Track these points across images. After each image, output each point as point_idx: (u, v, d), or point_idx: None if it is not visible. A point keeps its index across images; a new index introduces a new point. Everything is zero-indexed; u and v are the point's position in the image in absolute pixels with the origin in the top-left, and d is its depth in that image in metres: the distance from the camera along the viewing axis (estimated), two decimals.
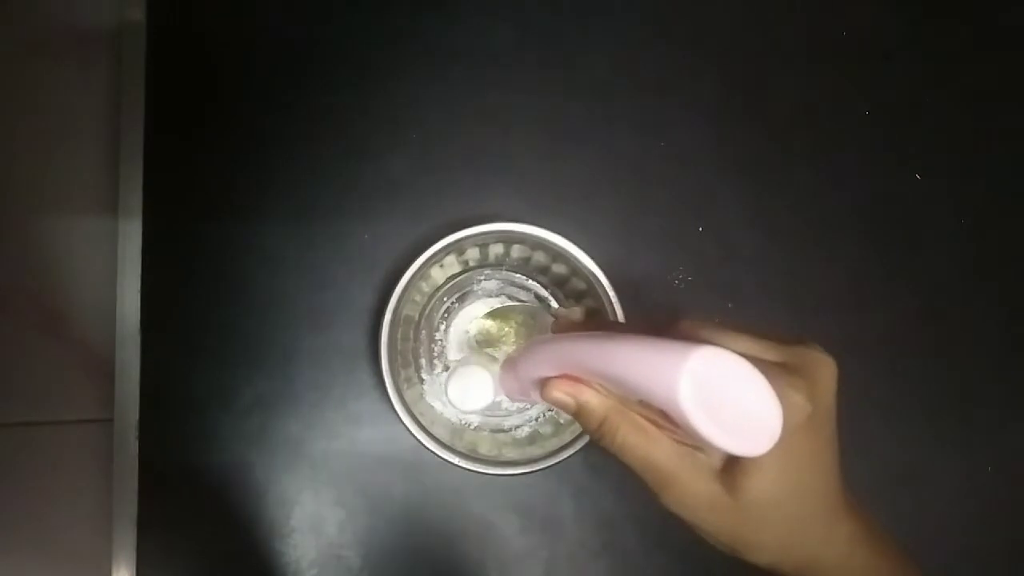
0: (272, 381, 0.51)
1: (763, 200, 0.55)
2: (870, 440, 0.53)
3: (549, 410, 0.49)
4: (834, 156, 0.57)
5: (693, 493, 0.30)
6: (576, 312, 0.46)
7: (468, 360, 0.43)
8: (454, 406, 0.42)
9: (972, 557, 0.53)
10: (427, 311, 0.50)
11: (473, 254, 0.49)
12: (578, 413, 0.31)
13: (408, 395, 0.45)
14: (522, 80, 0.55)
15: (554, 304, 0.51)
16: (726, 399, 0.25)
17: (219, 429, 0.51)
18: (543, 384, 0.32)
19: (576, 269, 0.46)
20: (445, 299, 0.51)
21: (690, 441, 0.29)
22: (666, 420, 0.28)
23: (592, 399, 0.30)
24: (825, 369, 0.30)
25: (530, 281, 0.51)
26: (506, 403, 0.49)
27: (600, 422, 0.30)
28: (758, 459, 0.29)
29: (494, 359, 0.43)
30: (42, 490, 0.53)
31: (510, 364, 0.39)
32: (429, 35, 0.55)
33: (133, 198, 0.52)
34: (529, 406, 0.49)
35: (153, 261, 0.52)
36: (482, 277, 0.51)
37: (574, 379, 0.31)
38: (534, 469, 0.44)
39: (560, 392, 0.31)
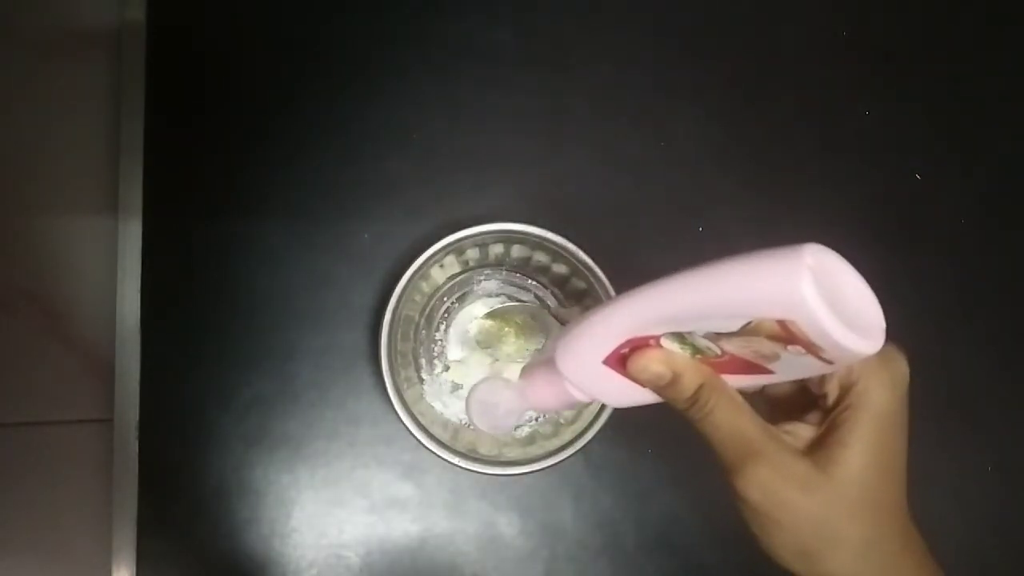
0: (272, 381, 0.51)
1: (763, 200, 0.55)
2: None
3: None
4: (834, 156, 0.57)
5: (784, 468, 0.27)
6: (576, 312, 0.46)
7: (486, 377, 0.38)
8: (480, 429, 0.37)
9: (973, 557, 0.53)
10: (427, 311, 0.50)
11: (473, 254, 0.49)
12: (672, 383, 0.29)
13: (408, 395, 0.45)
14: (522, 80, 0.55)
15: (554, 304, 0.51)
16: (837, 295, 0.23)
17: (219, 429, 0.51)
18: (628, 357, 0.29)
19: (576, 269, 0.46)
20: (445, 299, 0.51)
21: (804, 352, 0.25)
22: (780, 337, 0.25)
23: (688, 365, 0.28)
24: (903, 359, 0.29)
25: (530, 281, 0.51)
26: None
27: (696, 389, 0.28)
28: (855, 429, 0.27)
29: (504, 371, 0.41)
30: (42, 490, 0.53)
31: (541, 368, 0.34)
32: (429, 35, 0.55)
33: (133, 198, 0.52)
34: None
35: (153, 261, 0.52)
36: (482, 277, 0.51)
37: (651, 346, 0.28)
38: (534, 469, 0.44)
39: (656, 364, 0.28)
